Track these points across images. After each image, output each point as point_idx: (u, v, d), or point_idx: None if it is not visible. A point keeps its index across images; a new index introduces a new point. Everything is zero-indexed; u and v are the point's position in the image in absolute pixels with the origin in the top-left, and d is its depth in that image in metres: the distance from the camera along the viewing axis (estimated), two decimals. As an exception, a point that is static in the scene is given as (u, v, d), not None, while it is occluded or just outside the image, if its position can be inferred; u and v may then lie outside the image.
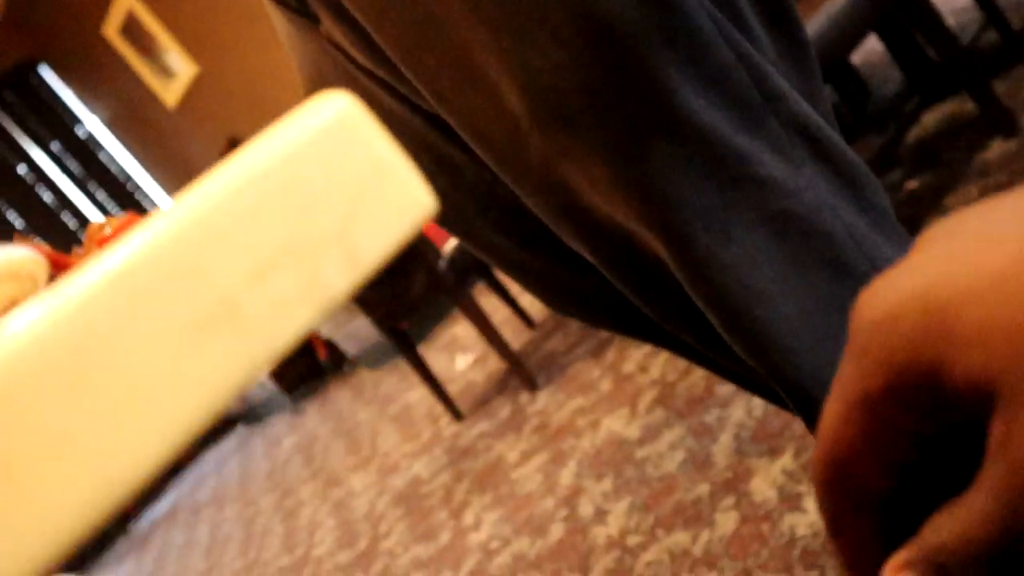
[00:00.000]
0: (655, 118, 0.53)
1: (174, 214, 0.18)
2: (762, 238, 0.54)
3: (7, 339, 0.16)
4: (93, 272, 0.17)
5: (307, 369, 5.27)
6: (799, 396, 0.55)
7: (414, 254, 2.62)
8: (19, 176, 6.29)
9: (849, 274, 0.54)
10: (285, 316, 0.18)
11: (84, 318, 0.17)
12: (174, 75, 5.28)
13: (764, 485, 1.44)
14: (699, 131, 0.53)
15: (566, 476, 1.94)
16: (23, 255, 0.29)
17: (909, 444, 0.22)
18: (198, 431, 0.18)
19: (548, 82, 0.53)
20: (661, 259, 0.58)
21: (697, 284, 0.55)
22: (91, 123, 6.46)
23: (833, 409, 0.23)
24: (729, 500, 1.47)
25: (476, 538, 1.99)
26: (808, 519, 1.31)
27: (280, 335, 0.18)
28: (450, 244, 2.86)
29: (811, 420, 0.56)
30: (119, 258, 0.17)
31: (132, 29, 5.23)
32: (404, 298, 2.72)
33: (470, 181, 0.72)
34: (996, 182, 1.76)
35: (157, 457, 0.17)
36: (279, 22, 0.72)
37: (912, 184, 2.02)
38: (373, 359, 4.41)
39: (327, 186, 0.19)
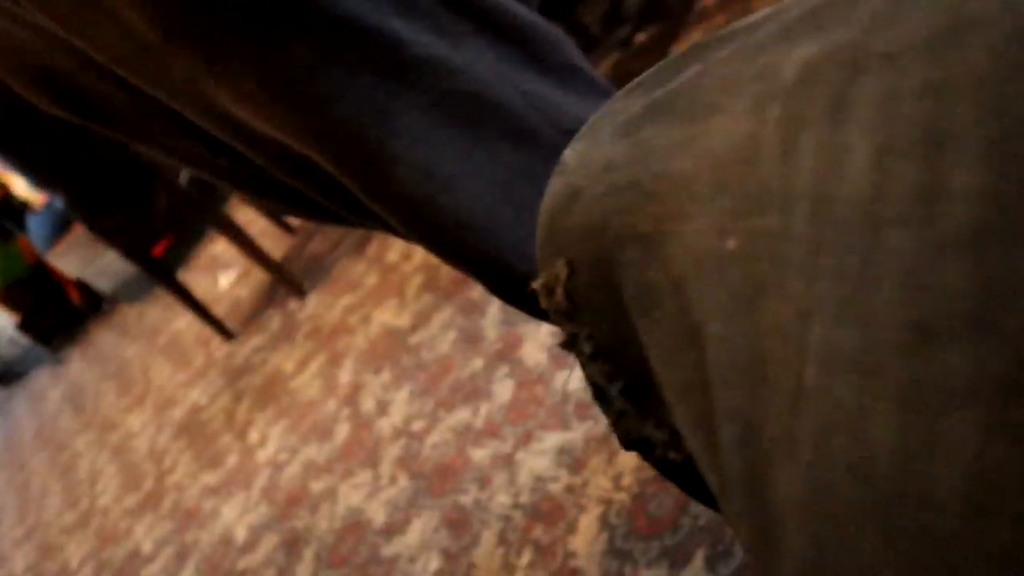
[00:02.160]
0: (289, 17, 0.48)
1: None
2: (435, 122, 0.51)
3: None
4: None
5: (60, 315, 4.89)
6: (502, 273, 0.54)
7: (150, 172, 2.45)
8: None
9: (533, 141, 0.52)
10: None
11: None
12: None
13: (534, 350, 1.48)
14: (343, 22, 0.49)
15: (344, 375, 1.91)
16: None
17: None
18: None
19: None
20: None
21: (375, 185, 0.52)
22: None
23: None
24: (503, 370, 1.49)
25: (264, 454, 1.95)
26: (577, 374, 1.35)
27: None
28: (189, 158, 2.69)
29: (516, 296, 0.55)
30: None
31: None
32: (148, 222, 2.55)
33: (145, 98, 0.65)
34: (715, 24, 1.83)
35: None
36: None
37: (641, 38, 2.06)
38: (132, 293, 4.15)
39: None
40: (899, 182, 0.18)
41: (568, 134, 0.41)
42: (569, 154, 0.32)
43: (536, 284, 0.31)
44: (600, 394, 0.30)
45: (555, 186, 0.31)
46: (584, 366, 0.30)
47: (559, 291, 0.29)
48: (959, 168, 0.17)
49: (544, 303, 0.31)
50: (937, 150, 0.18)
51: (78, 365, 4.22)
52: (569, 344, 0.30)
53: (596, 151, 0.30)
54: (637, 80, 0.31)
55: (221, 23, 0.48)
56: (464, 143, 0.51)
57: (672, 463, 0.27)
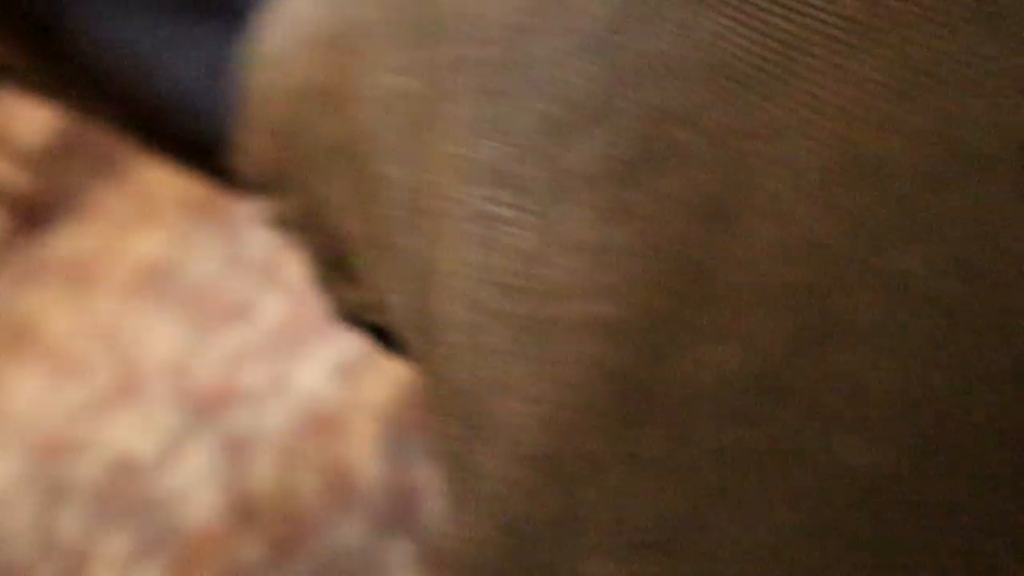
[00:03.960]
0: None
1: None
2: (137, 3, 0.48)
3: None
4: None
5: None
6: (214, 154, 0.51)
7: None
8: None
9: (240, 19, 0.50)
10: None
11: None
12: None
13: (301, 267, 1.44)
14: None
15: (102, 312, 1.80)
16: None
17: None
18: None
19: None
20: None
21: (73, 68, 0.48)
22: None
23: None
24: (270, 289, 1.45)
25: (17, 404, 1.81)
26: (345, 287, 1.34)
27: None
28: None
29: (233, 177, 0.53)
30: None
31: None
32: None
33: None
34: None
35: None
36: None
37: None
38: None
39: None
40: None
41: None
42: (265, 19, 0.30)
43: (237, 160, 0.30)
44: (312, 268, 0.29)
45: (252, 56, 0.29)
46: (289, 239, 0.29)
47: (257, 164, 0.28)
48: None
49: (246, 178, 0.29)
50: None
51: None
52: (272, 219, 0.29)
53: (289, 12, 0.28)
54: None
55: None
56: (168, 23, 0.48)
57: (380, 328, 0.27)
